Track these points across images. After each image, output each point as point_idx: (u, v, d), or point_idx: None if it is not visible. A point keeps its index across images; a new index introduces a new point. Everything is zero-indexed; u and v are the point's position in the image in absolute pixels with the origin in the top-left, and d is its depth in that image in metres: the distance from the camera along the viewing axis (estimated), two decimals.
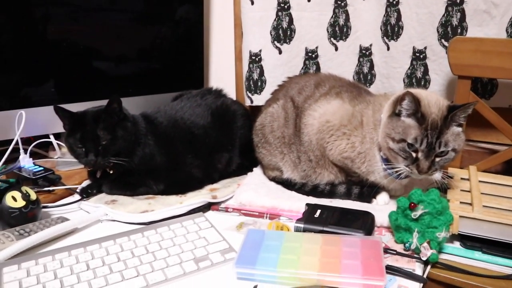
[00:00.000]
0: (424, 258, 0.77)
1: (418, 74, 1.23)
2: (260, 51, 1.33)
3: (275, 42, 1.33)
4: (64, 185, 1.08)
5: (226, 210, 0.98)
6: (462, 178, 1.01)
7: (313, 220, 0.86)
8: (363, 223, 0.85)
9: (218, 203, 1.00)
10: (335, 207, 0.91)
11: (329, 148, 0.97)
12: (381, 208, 0.94)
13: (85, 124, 0.94)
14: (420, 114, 0.83)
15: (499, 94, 1.19)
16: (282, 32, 1.31)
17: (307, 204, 0.92)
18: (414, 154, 0.85)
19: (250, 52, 1.34)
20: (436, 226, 0.79)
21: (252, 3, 1.29)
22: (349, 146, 0.94)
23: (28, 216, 0.86)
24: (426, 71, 1.22)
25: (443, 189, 0.90)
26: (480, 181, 0.98)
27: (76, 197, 1.01)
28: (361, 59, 1.32)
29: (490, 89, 1.20)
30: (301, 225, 0.85)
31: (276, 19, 1.31)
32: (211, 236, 0.84)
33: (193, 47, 1.42)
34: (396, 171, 0.88)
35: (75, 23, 1.19)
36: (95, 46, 1.23)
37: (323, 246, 0.77)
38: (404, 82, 1.25)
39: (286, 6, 1.29)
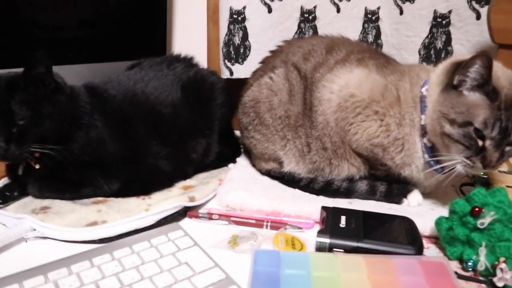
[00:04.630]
0: (500, 285, 0.58)
1: (438, 44, 1.07)
2: (244, 8, 1.11)
3: None
4: None
5: (209, 217, 0.75)
6: (499, 171, 0.84)
7: (341, 232, 0.64)
8: (409, 235, 0.64)
9: (197, 207, 0.78)
10: (363, 211, 0.70)
11: (353, 131, 0.76)
12: (416, 210, 0.75)
13: None
14: (491, 88, 0.64)
15: None
16: None
17: (324, 208, 0.71)
18: (480, 142, 0.65)
19: (230, 9, 1.11)
20: (509, 238, 0.61)
21: None
22: (382, 129, 0.74)
23: None
24: (448, 41, 1.06)
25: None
26: None
27: None
28: (365, 25, 1.14)
29: None
30: (326, 241, 0.62)
31: None
32: (196, 260, 0.59)
33: (154, 4, 1.20)
34: (448, 165, 0.68)
35: None
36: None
37: (371, 276, 0.54)
38: (420, 54, 1.10)
39: None
